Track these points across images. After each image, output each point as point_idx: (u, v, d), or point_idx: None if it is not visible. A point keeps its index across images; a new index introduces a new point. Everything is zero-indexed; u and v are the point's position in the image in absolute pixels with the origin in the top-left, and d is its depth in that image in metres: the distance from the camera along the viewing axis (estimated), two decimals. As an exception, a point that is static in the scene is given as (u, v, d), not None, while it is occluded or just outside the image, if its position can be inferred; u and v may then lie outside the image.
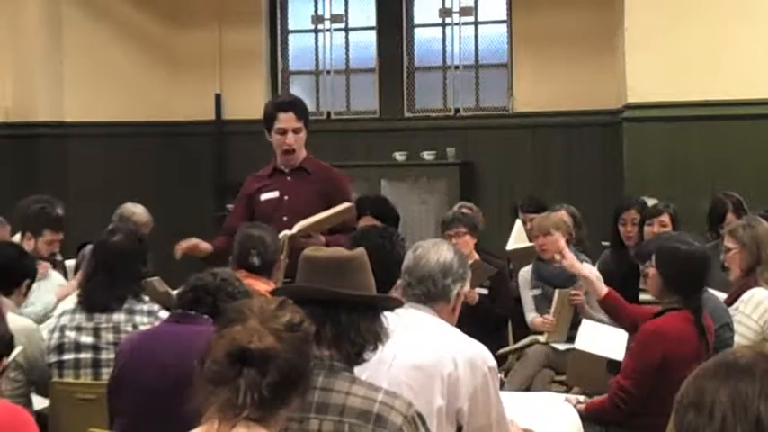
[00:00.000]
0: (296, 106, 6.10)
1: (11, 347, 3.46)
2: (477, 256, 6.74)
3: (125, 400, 3.98)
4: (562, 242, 5.97)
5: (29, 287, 5.20)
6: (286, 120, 6.01)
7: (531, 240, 6.91)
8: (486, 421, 3.49)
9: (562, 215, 6.88)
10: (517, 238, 7.38)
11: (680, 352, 4.57)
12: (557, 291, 6.31)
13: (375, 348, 3.04)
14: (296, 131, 6.02)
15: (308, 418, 2.87)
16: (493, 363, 3.58)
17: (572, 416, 4.68)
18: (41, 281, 6.33)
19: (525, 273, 6.77)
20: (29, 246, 6.32)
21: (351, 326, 2.99)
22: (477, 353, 3.56)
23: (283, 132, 6.01)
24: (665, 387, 4.43)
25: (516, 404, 4.37)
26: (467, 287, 3.72)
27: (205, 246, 6.05)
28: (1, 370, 3.31)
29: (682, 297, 4.77)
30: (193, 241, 6.04)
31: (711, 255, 6.29)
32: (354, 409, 2.88)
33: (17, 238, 6.48)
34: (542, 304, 6.59)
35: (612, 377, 4.99)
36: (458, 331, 3.61)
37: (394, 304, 3.31)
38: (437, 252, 3.66)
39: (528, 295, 6.71)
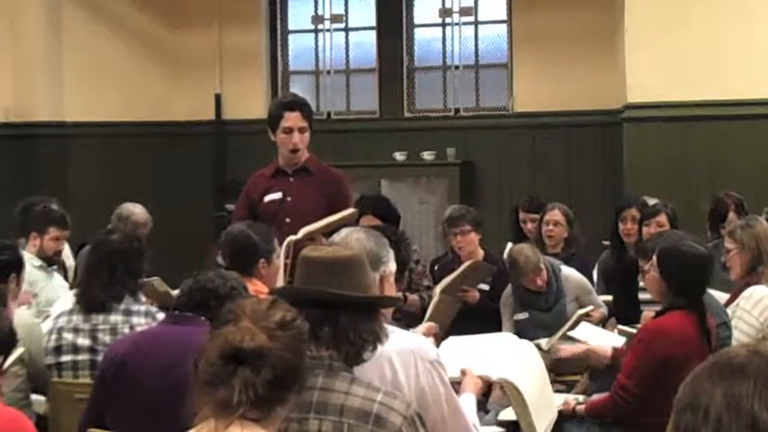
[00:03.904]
0: (302, 106, 6.08)
1: (11, 346, 3.44)
2: (482, 253, 6.73)
3: (123, 403, 3.96)
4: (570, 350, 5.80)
5: (17, 279, 5.16)
6: (293, 119, 5.98)
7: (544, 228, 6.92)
8: (440, 416, 3.35)
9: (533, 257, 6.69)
10: None
11: (681, 351, 4.56)
12: (578, 312, 6.23)
13: (374, 348, 3.03)
14: (302, 131, 5.99)
15: (307, 418, 2.87)
16: (434, 356, 3.38)
17: (532, 353, 4.48)
18: (48, 280, 6.33)
19: (506, 296, 6.50)
20: (34, 245, 6.31)
21: (350, 326, 2.98)
22: (415, 349, 3.35)
23: (290, 131, 5.99)
24: (665, 386, 4.42)
25: (471, 347, 4.25)
26: (392, 266, 3.48)
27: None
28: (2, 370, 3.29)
29: (685, 299, 4.76)
30: None
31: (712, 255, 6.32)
32: (353, 409, 2.88)
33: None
34: (528, 328, 6.42)
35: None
36: (390, 328, 3.32)
37: (393, 303, 3.29)
38: (349, 247, 3.40)
39: (509, 320, 6.47)
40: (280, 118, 5.99)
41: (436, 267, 6.98)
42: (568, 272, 6.49)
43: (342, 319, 2.98)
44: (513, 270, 6.34)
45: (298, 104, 6.08)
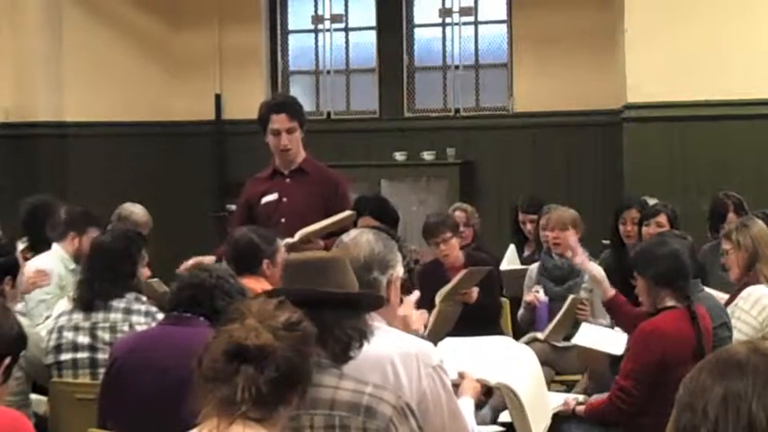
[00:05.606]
0: (288, 107, 6.05)
1: (20, 348, 3.43)
2: (461, 255, 6.75)
3: (122, 404, 3.97)
4: (574, 239, 5.97)
5: (13, 282, 5.15)
6: (279, 121, 5.96)
7: (542, 234, 6.92)
8: (440, 420, 3.36)
9: (575, 213, 6.87)
10: (510, 261, 7.41)
11: (678, 350, 4.57)
12: (570, 296, 6.29)
13: (361, 345, 3.05)
14: (290, 132, 5.98)
15: (298, 414, 2.87)
16: (436, 360, 3.38)
17: (529, 356, 4.47)
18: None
19: (533, 268, 6.80)
20: (73, 245, 6.26)
21: (335, 324, 3.00)
22: (417, 353, 3.34)
23: (277, 133, 5.98)
24: (664, 386, 4.44)
25: (469, 351, 4.24)
26: (399, 270, 3.47)
27: (209, 259, 6.04)
28: (3, 371, 3.27)
29: (671, 291, 4.77)
30: (197, 259, 6.02)
31: (712, 254, 6.33)
32: (344, 403, 2.91)
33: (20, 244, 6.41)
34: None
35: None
36: (394, 331, 3.37)
37: (377, 301, 3.29)
38: (357, 248, 3.41)
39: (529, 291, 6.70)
40: (267, 120, 5.99)
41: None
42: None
43: (327, 316, 2.99)
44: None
45: (283, 105, 6.05)
